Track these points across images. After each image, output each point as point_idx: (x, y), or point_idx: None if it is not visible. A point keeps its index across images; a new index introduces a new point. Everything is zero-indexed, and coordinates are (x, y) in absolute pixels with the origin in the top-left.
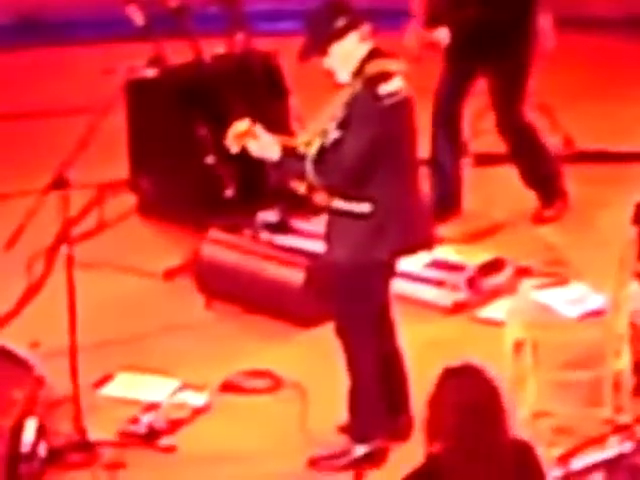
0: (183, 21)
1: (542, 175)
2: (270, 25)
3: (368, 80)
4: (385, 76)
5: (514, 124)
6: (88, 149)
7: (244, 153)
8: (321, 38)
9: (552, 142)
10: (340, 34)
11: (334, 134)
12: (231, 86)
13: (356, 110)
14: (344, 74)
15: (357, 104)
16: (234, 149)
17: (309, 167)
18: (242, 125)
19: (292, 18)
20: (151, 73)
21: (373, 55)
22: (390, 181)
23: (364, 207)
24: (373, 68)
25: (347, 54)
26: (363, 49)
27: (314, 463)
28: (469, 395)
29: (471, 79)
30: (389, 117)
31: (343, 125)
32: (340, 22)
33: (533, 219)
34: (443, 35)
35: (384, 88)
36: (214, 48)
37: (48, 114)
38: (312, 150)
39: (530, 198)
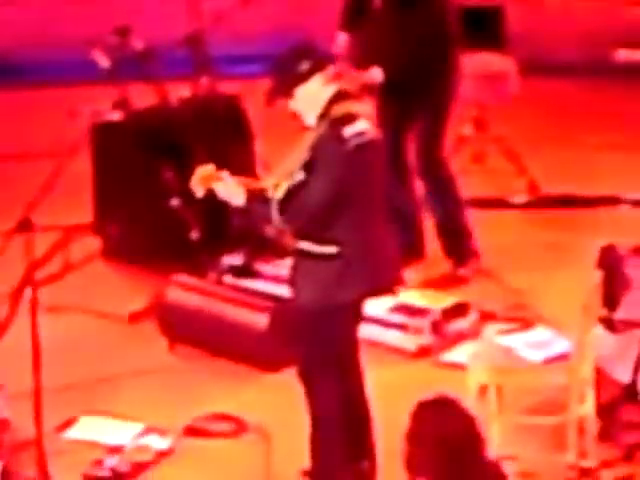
0: (148, 64)
1: (454, 229)
2: (235, 68)
3: (333, 122)
4: (350, 118)
5: (433, 170)
6: (53, 192)
7: (209, 196)
8: (286, 81)
9: (517, 186)
10: (305, 77)
11: (299, 176)
12: (196, 129)
13: (321, 152)
14: (310, 117)
15: (322, 146)
16: (199, 193)
17: (274, 210)
18: (207, 169)
19: (257, 61)
20: (116, 116)
21: (339, 97)
22: (356, 223)
23: (330, 249)
24: (338, 110)
25: (312, 97)
26: (328, 91)
27: None
28: (448, 425)
29: (407, 117)
30: (354, 159)
31: (308, 167)
32: (305, 65)
33: (446, 280)
34: (377, 74)
35: (349, 130)
36: (179, 91)
37: (13, 157)
38: (278, 193)
39: (495, 242)
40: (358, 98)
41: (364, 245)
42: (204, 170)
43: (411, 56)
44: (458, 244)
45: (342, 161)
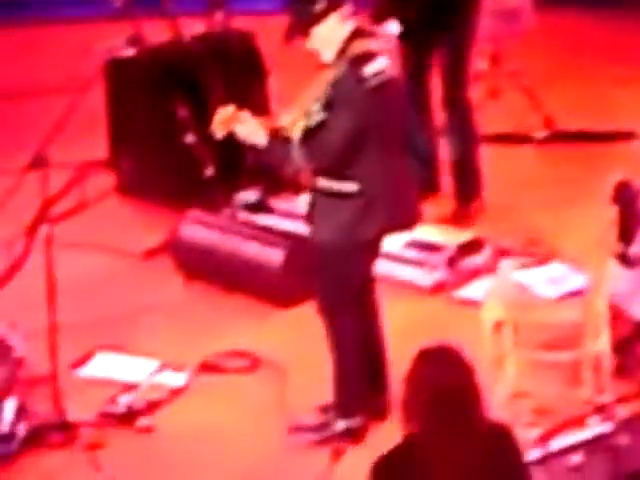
0: (163, 0)
1: (469, 166)
2: (249, 5)
3: (352, 61)
4: (369, 56)
5: (455, 107)
6: (67, 129)
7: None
8: (303, 20)
9: (533, 122)
10: (321, 16)
11: (319, 116)
12: (210, 66)
13: (341, 91)
14: (327, 54)
15: (341, 86)
16: (219, 135)
17: (295, 150)
18: (227, 111)
19: None
20: (130, 52)
21: (356, 35)
22: (376, 160)
23: (350, 187)
24: (356, 48)
25: (329, 35)
26: (345, 30)
27: (295, 430)
28: (445, 377)
29: (429, 55)
30: (374, 98)
31: (328, 106)
32: (320, 4)
33: (460, 216)
34: (394, 27)
35: (368, 68)
36: (193, 28)
37: (27, 93)
38: (297, 132)
39: (511, 178)
40: (375, 35)
41: (384, 182)
42: (225, 112)
43: None
44: (470, 181)
45: (362, 100)
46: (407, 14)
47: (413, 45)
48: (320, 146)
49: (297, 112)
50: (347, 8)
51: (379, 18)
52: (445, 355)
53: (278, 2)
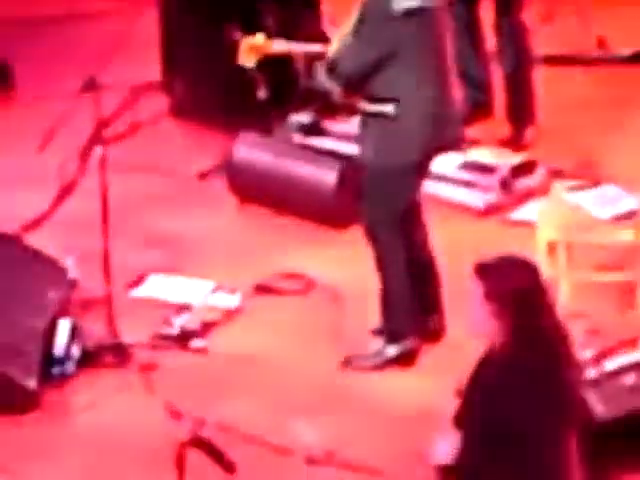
0: None
1: (523, 88)
2: None
3: None
4: None
5: (510, 26)
6: (120, 51)
7: (275, 58)
8: None
9: (586, 43)
10: None
11: (348, 39)
12: None
13: (367, 15)
14: None
15: (369, 9)
16: (249, 64)
17: (321, 70)
18: (255, 40)
19: None
20: None
21: None
22: (414, 83)
23: (389, 108)
24: None
25: None
26: None
27: (347, 363)
28: (513, 279)
29: None
30: (403, 23)
31: (356, 29)
32: None
33: (513, 139)
34: None
35: None
36: None
37: (80, 16)
38: (330, 54)
39: (564, 100)
40: None
41: (424, 104)
42: (251, 40)
43: None
44: (524, 104)
45: (387, 24)
46: None
47: None
48: (338, 66)
49: (339, 35)
50: None
51: None
52: (509, 259)
53: None
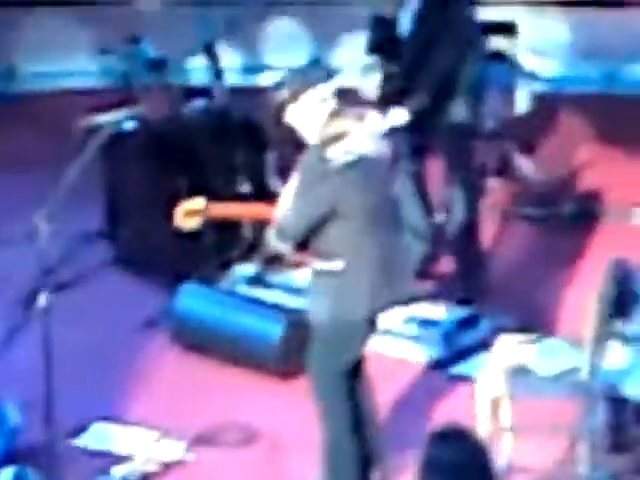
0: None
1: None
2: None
3: (321, 142)
4: (339, 136)
5: (462, 181)
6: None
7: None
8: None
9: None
10: (295, 95)
11: (292, 198)
12: (210, 138)
13: (304, 174)
14: (308, 135)
15: (305, 168)
16: (185, 227)
17: (269, 233)
18: (195, 203)
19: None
20: (129, 125)
21: (333, 115)
22: (359, 239)
23: (334, 266)
24: (329, 129)
25: (307, 116)
26: (323, 110)
27: None
28: (463, 456)
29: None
30: (341, 178)
31: (297, 188)
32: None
33: (451, 294)
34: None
35: (335, 149)
36: (194, 101)
37: (23, 164)
38: (276, 216)
39: (511, 254)
40: (354, 115)
41: (372, 260)
42: (190, 205)
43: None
44: (472, 257)
45: (324, 181)
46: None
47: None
48: (282, 229)
49: (282, 194)
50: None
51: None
52: (460, 434)
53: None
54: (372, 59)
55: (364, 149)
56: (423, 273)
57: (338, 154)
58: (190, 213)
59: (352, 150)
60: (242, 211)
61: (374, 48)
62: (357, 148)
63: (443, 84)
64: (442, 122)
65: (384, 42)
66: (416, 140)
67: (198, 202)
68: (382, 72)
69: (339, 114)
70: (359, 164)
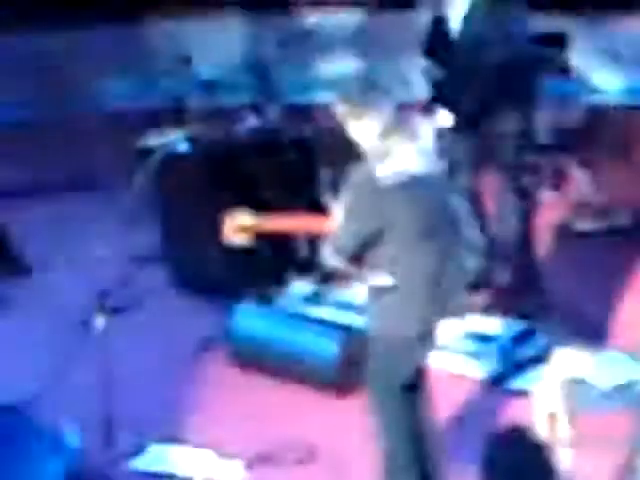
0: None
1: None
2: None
3: (371, 160)
4: (389, 155)
5: (515, 196)
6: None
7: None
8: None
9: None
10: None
11: (343, 214)
12: (263, 157)
13: (354, 190)
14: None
15: (356, 184)
16: (236, 242)
17: (324, 248)
18: (242, 219)
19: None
20: (184, 148)
21: (386, 132)
22: (412, 256)
23: (386, 282)
24: (380, 147)
25: (362, 132)
26: (376, 127)
27: None
28: (522, 455)
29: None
30: (390, 197)
31: (347, 205)
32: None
33: (507, 309)
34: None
35: (384, 168)
36: (246, 122)
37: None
38: (331, 229)
39: (566, 267)
40: (406, 132)
41: (421, 276)
42: (237, 221)
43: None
44: (526, 272)
45: (374, 197)
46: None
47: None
48: (334, 247)
49: (337, 209)
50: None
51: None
52: (519, 434)
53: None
54: (427, 64)
55: (413, 168)
56: (478, 287)
57: (387, 173)
58: (240, 228)
59: (401, 170)
60: (294, 225)
61: (430, 50)
62: (406, 167)
63: (493, 89)
64: (494, 129)
65: (439, 44)
66: (470, 151)
67: (247, 217)
68: (433, 76)
69: (391, 131)
70: (408, 183)
